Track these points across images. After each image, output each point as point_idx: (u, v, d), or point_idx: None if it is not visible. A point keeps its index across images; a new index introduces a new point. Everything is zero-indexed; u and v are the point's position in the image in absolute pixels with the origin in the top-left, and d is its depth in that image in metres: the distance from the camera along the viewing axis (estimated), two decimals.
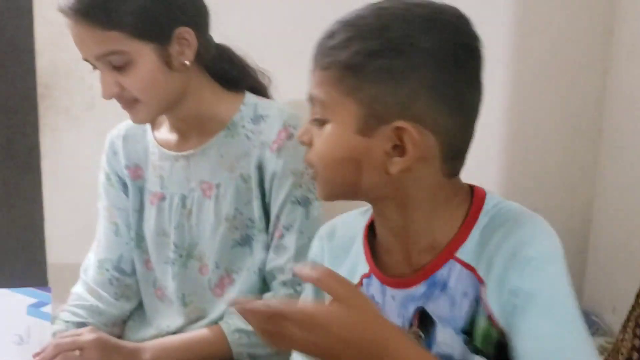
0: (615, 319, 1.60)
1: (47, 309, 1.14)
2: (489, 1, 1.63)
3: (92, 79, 1.73)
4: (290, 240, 1.13)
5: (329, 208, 1.21)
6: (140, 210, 1.24)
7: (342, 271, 0.83)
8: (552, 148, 1.69)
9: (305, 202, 1.13)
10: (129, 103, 1.09)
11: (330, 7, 1.60)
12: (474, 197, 0.77)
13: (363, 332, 0.64)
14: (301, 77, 1.60)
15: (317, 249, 0.90)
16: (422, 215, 0.76)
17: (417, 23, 0.70)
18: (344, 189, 0.76)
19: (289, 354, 1.10)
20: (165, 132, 1.22)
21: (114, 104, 1.71)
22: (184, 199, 1.18)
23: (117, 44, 1.03)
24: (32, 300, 1.15)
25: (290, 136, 1.12)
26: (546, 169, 1.71)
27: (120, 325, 1.26)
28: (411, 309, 0.77)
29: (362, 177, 0.73)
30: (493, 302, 0.72)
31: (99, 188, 1.28)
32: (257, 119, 1.15)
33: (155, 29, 1.05)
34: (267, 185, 1.14)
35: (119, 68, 1.05)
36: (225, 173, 1.15)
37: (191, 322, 1.18)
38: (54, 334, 1.12)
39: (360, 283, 0.82)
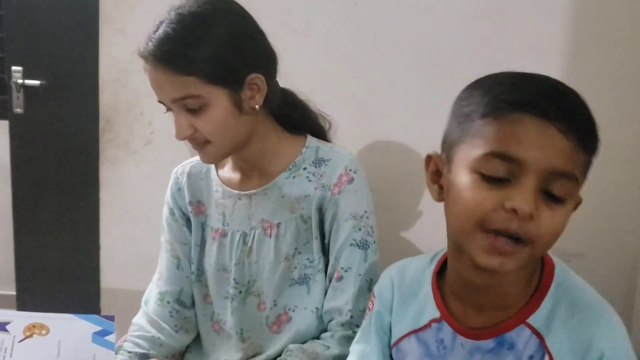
0: None
1: (110, 337, 1.17)
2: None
3: (151, 114, 1.83)
4: (349, 283, 1.15)
5: (385, 252, 1.25)
6: (202, 245, 1.28)
7: (410, 312, 0.89)
8: (599, 189, 1.69)
9: (364, 246, 1.16)
10: (200, 144, 1.13)
11: (387, 51, 1.68)
12: (545, 265, 0.82)
13: None
14: (360, 120, 1.67)
15: (386, 286, 0.94)
16: (509, 277, 0.79)
17: None
18: None
19: None
20: (229, 171, 1.26)
21: (172, 139, 1.79)
22: (245, 236, 1.22)
23: (193, 89, 1.07)
24: (97, 328, 1.18)
25: (351, 180, 1.17)
26: (594, 212, 1.71)
27: (179, 358, 1.29)
28: (476, 358, 0.82)
29: None
30: None
31: (162, 222, 1.33)
32: (319, 162, 1.19)
33: (229, 75, 1.10)
34: (327, 227, 1.18)
35: (194, 111, 1.09)
36: (286, 213, 1.19)
37: (248, 357, 1.21)
38: None
39: (429, 325, 0.86)
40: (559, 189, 0.71)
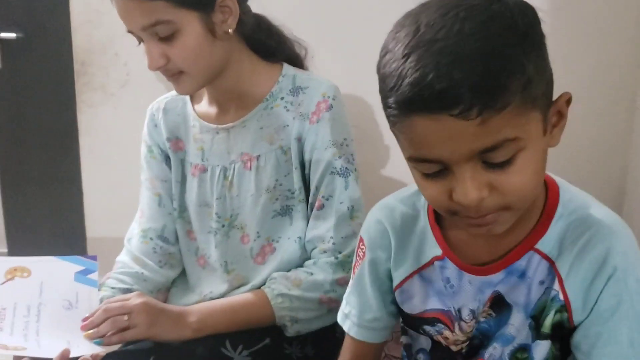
0: None
1: (93, 276, 1.17)
2: None
3: (127, 55, 1.78)
4: (330, 211, 1.14)
5: (365, 181, 1.23)
6: (182, 182, 1.26)
7: (409, 251, 0.86)
8: (586, 117, 1.68)
9: (344, 173, 1.14)
10: (174, 75, 1.10)
11: None
12: (549, 187, 0.78)
13: None
14: (336, 48, 1.63)
15: (377, 231, 0.88)
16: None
17: (510, 15, 0.67)
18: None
19: (327, 317, 1.14)
20: (205, 105, 1.24)
21: (148, 79, 1.75)
22: (225, 170, 1.21)
23: (162, 14, 1.04)
24: (79, 268, 1.18)
25: (329, 107, 1.14)
26: (580, 140, 1.70)
27: (164, 292, 1.28)
28: (487, 293, 0.79)
29: (543, 175, 0.74)
30: (575, 299, 0.74)
31: (140, 160, 1.31)
32: (296, 90, 1.17)
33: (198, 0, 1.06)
34: (306, 157, 1.16)
35: (165, 39, 1.06)
36: (265, 145, 1.17)
37: (233, 288, 1.21)
38: (102, 300, 1.15)
39: (431, 263, 0.84)
40: (497, 157, 0.65)
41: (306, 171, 1.17)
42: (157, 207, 1.28)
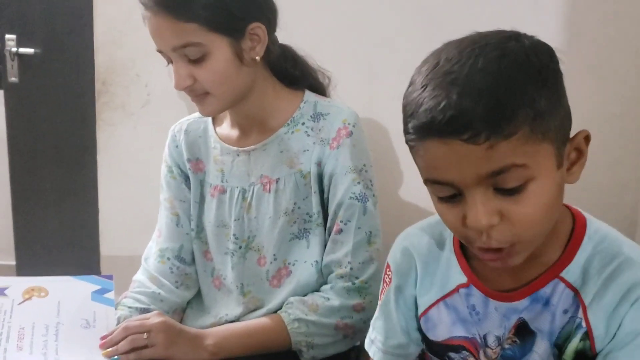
0: None
1: (110, 295, 1.18)
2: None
3: (148, 76, 1.81)
4: (348, 235, 1.15)
5: (382, 206, 1.25)
6: (200, 202, 1.28)
7: (434, 279, 0.87)
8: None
9: (363, 199, 1.16)
10: (200, 96, 1.13)
11: (390, 10, 1.66)
12: (576, 219, 0.80)
13: None
14: (359, 78, 1.66)
15: (404, 258, 0.90)
16: (549, 236, 0.77)
17: (524, 53, 0.71)
18: (551, 226, 0.76)
19: (343, 343, 1.14)
20: (227, 128, 1.26)
21: (169, 100, 1.78)
22: (244, 192, 1.22)
23: (193, 36, 1.06)
24: (96, 287, 1.19)
25: (349, 134, 1.16)
26: (594, 170, 1.71)
27: (180, 313, 1.29)
28: (513, 319, 0.81)
29: (559, 210, 0.76)
30: (597, 326, 0.75)
31: (160, 180, 1.33)
32: (317, 116, 1.19)
33: (230, 23, 1.09)
34: (326, 182, 1.18)
35: (194, 60, 1.08)
36: (285, 168, 1.19)
37: (249, 311, 1.22)
38: (119, 319, 1.16)
39: (456, 291, 0.85)
40: (506, 183, 0.68)
41: (325, 195, 1.19)
42: (175, 227, 1.29)
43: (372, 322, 0.96)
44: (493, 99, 0.66)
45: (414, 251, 0.89)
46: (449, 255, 0.86)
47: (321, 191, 1.19)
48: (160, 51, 1.11)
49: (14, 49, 1.92)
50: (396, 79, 1.72)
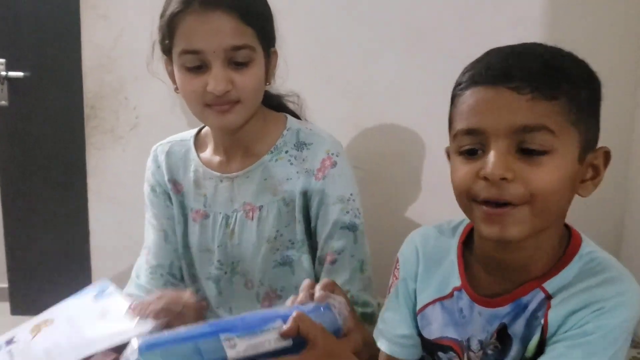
0: None
1: (111, 290, 1.16)
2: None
3: (136, 99, 1.83)
4: (344, 265, 1.16)
5: (372, 231, 1.26)
6: (184, 223, 1.28)
7: (434, 280, 0.90)
8: None
9: (352, 227, 1.17)
10: (230, 103, 1.11)
11: (371, 29, 1.68)
12: (572, 238, 0.82)
13: None
14: (346, 100, 1.68)
15: (411, 253, 0.94)
16: (544, 249, 0.80)
17: (582, 61, 0.79)
18: (556, 215, 0.78)
19: None
20: (210, 153, 1.26)
21: (157, 123, 1.80)
22: (227, 218, 1.22)
23: (251, 40, 1.09)
24: (94, 292, 1.17)
25: (334, 164, 1.17)
26: None
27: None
28: (495, 325, 0.83)
29: (567, 204, 0.78)
30: (553, 323, 0.77)
31: (145, 198, 1.32)
32: (300, 145, 1.20)
33: (270, 39, 1.14)
34: (313, 212, 1.18)
35: (238, 65, 1.09)
36: (269, 196, 1.19)
37: None
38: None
39: (452, 294, 0.88)
40: (533, 143, 0.72)
41: (312, 224, 1.19)
42: (163, 243, 1.28)
43: (380, 313, 0.99)
44: (547, 64, 0.74)
45: (420, 248, 0.93)
46: (453, 259, 0.89)
47: (306, 220, 1.19)
48: (200, 51, 1.08)
49: (3, 73, 1.93)
50: (381, 98, 1.77)
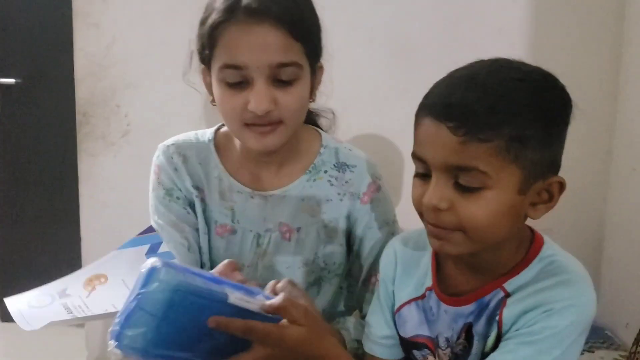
0: (628, 334, 1.67)
1: (163, 249, 1.13)
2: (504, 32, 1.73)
3: (127, 107, 1.86)
4: None
5: None
6: (209, 235, 1.17)
7: (411, 281, 0.95)
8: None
9: None
10: (272, 124, 1.03)
11: (355, 39, 1.70)
12: (535, 241, 0.87)
13: (309, 347, 0.79)
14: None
15: (389, 257, 0.99)
16: (505, 251, 0.85)
17: (542, 89, 0.78)
18: (496, 240, 0.82)
19: None
20: (236, 163, 1.16)
21: (148, 130, 1.82)
22: (258, 237, 1.15)
23: (298, 57, 1.00)
24: (145, 248, 1.16)
25: (378, 188, 1.16)
26: None
27: None
28: (460, 323, 0.87)
29: (510, 229, 0.81)
30: (506, 322, 0.81)
31: (154, 206, 1.16)
32: (341, 166, 1.15)
33: (317, 55, 1.06)
34: (357, 235, 1.16)
35: (283, 83, 1.00)
36: (306, 217, 1.14)
37: None
38: None
39: (424, 295, 0.92)
40: (465, 181, 0.76)
41: (355, 247, 1.18)
42: (186, 252, 1.14)
43: (366, 318, 1.03)
44: (489, 105, 0.74)
45: (399, 252, 0.98)
46: (428, 262, 0.93)
47: (348, 244, 1.17)
48: (239, 67, 0.98)
49: None
50: (365, 107, 1.80)
